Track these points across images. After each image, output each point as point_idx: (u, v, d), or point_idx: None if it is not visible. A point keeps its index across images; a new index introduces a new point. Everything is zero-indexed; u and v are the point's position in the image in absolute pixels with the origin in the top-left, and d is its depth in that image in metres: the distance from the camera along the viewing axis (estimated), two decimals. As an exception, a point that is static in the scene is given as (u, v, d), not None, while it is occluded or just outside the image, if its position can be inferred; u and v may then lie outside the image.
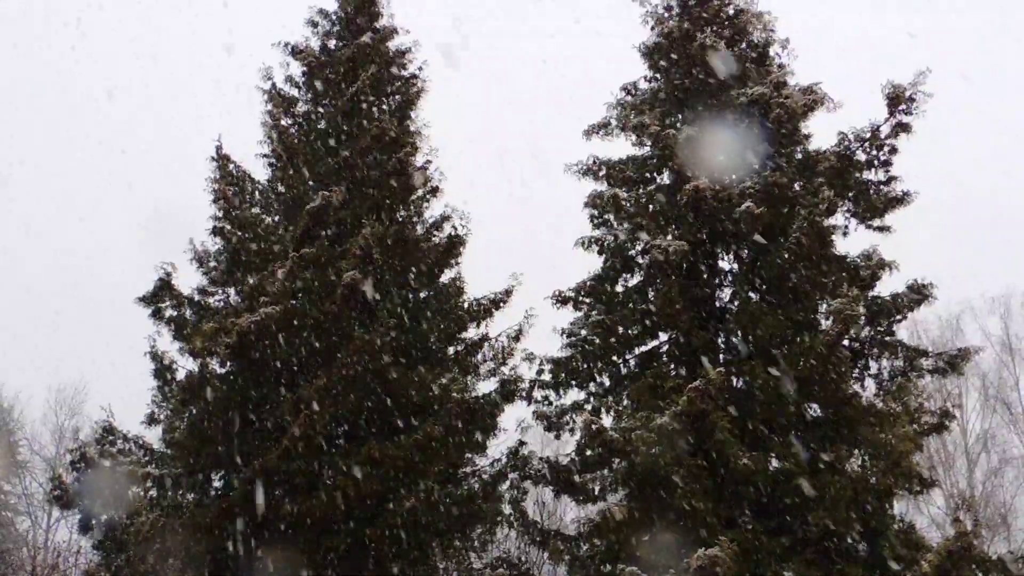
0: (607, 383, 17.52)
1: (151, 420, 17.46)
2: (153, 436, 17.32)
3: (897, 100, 17.20)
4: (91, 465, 16.27)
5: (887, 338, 17.19)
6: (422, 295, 18.08)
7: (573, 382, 17.49)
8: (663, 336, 17.25)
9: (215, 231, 17.97)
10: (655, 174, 18.26)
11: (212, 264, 18.22)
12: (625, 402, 16.45)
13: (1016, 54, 58.96)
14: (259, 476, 15.23)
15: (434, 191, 19.01)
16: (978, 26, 63.27)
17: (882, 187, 17.71)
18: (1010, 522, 33.01)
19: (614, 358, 17.46)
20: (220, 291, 18.27)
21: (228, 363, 16.35)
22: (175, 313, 17.69)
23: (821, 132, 18.02)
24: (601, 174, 18.38)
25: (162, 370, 17.44)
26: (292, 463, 15.33)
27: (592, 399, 17.32)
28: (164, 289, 17.64)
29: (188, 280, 18.10)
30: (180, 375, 17.25)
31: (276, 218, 18.40)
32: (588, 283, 17.86)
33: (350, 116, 18.50)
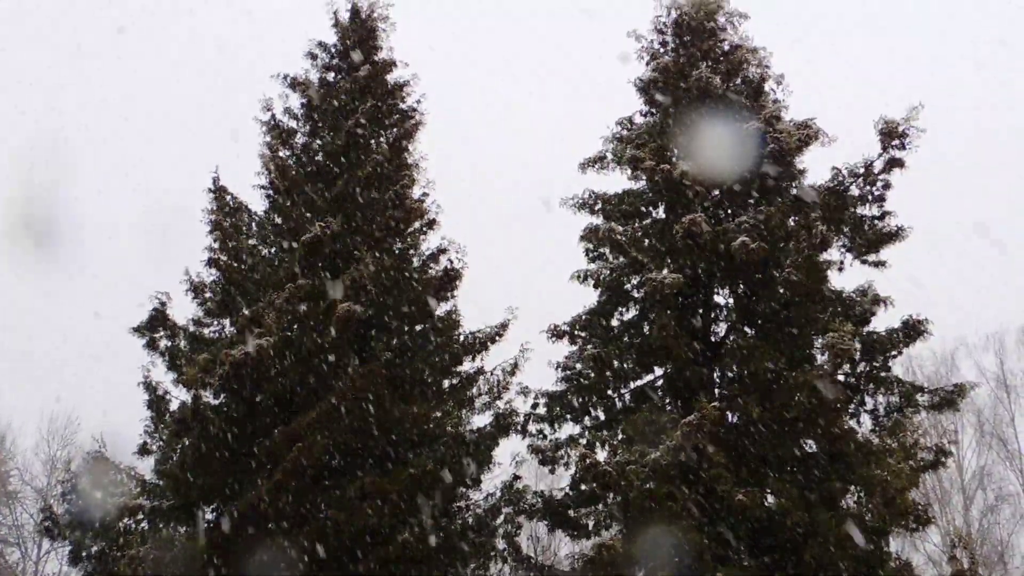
0: (602, 417, 17.51)
1: (143, 451, 17.36)
2: (145, 467, 17.23)
3: (890, 135, 17.31)
4: (82, 496, 16.16)
5: (882, 374, 17.18)
6: (418, 328, 18.04)
7: (568, 416, 17.48)
8: (658, 370, 17.26)
9: (211, 262, 17.98)
10: (650, 208, 18.33)
11: (208, 295, 18.20)
12: (620, 436, 16.40)
13: (1010, 87, 59.43)
14: (251, 509, 15.13)
15: (431, 223, 19.01)
16: (975, 57, 63.86)
17: (876, 222, 17.79)
18: (1007, 560, 32.90)
19: (609, 392, 17.46)
20: (215, 322, 18.25)
21: (222, 394, 16.29)
22: (169, 343, 17.66)
23: (817, 165, 18.18)
24: (597, 208, 18.45)
25: (155, 401, 17.35)
26: (285, 496, 15.24)
27: (587, 433, 17.28)
28: (159, 319, 17.64)
29: (183, 311, 18.10)
30: (174, 406, 17.18)
31: (272, 249, 18.40)
32: (583, 317, 17.89)
33: (348, 148, 18.54)
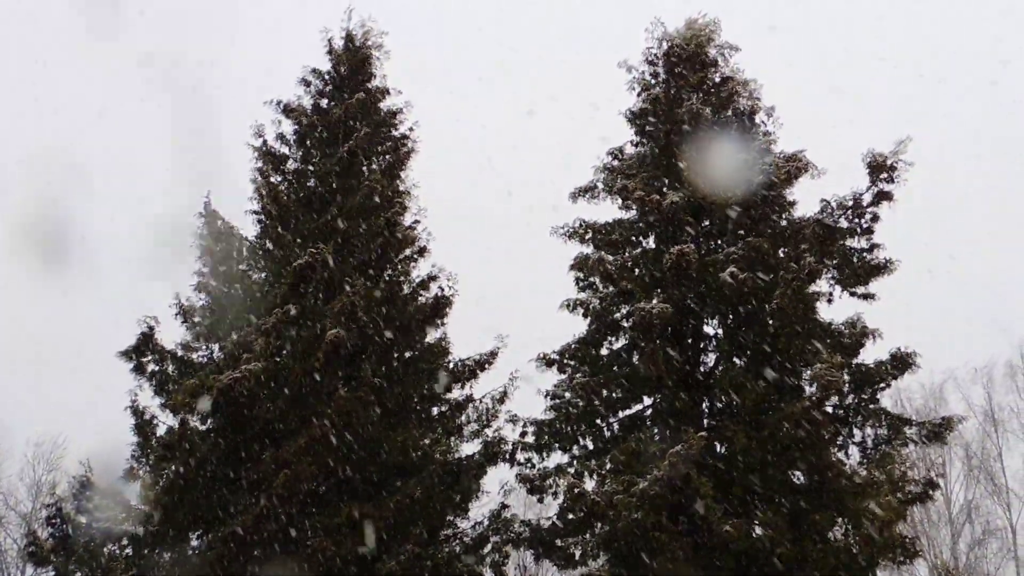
0: (591, 446, 17.47)
1: (130, 476, 17.22)
2: (132, 492, 17.08)
3: (878, 169, 17.42)
4: (67, 521, 16.05)
5: (871, 406, 17.20)
6: (407, 354, 18.03)
7: (556, 445, 17.44)
8: (647, 400, 17.26)
9: (200, 287, 17.96)
10: (641, 238, 18.39)
11: (197, 319, 18.14)
12: (608, 465, 16.36)
13: (1000, 120, 59.88)
14: (237, 536, 15.03)
15: (422, 251, 19.04)
16: (968, 95, 64.50)
17: (865, 255, 17.86)
18: (994, 594, 32.78)
19: (598, 421, 17.45)
20: (204, 347, 18.16)
21: (209, 420, 16.22)
22: (157, 368, 17.56)
23: (808, 197, 18.27)
24: (587, 237, 18.50)
25: (142, 425, 17.23)
26: (271, 523, 15.15)
27: (575, 462, 17.24)
28: (146, 343, 17.53)
29: (172, 335, 18.01)
30: (161, 431, 17.06)
31: (263, 275, 18.38)
32: (573, 346, 17.89)
33: (340, 175, 18.60)
